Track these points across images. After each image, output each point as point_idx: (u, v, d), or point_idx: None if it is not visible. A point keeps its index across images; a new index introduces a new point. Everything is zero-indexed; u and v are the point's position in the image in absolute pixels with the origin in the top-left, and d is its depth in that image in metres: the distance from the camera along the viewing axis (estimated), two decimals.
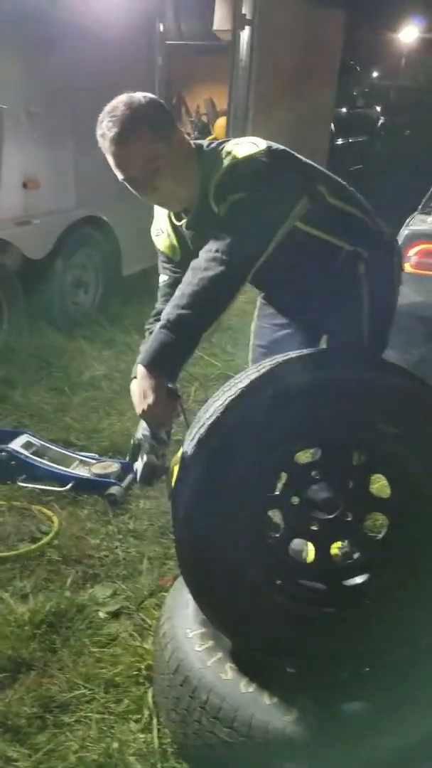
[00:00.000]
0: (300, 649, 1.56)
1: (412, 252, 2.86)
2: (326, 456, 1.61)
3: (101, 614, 2.17)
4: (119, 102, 1.68)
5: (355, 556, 1.65)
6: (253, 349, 2.24)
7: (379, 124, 12.76)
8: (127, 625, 2.13)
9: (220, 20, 6.23)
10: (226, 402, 1.48)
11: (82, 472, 2.82)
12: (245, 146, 1.70)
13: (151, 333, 1.80)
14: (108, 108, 1.68)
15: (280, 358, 1.55)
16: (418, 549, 1.52)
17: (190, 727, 1.56)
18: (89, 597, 2.23)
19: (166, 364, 1.55)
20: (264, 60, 5.62)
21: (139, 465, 1.63)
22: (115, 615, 2.18)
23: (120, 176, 1.73)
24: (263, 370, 1.51)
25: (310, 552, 1.69)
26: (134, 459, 1.66)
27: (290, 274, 1.85)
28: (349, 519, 1.59)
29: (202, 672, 1.58)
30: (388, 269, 1.94)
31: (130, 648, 2.02)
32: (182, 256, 1.92)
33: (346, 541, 1.74)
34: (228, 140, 1.79)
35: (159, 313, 1.94)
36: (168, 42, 5.19)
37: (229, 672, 1.57)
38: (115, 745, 1.73)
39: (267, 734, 1.46)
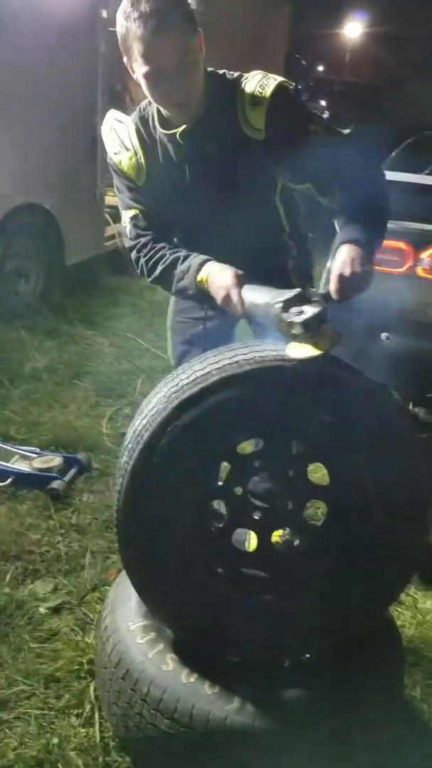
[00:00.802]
0: (242, 638, 1.57)
1: None
2: (267, 446, 1.62)
3: (42, 610, 2.14)
4: None
5: (296, 543, 1.67)
6: (173, 346, 2.17)
7: (325, 118, 12.93)
8: (68, 620, 2.11)
9: None
10: (168, 394, 1.47)
11: (23, 466, 2.78)
12: (272, 76, 1.70)
13: (159, 255, 1.79)
14: None
15: (222, 349, 1.55)
16: (354, 535, 1.54)
17: (131, 720, 1.55)
18: (29, 593, 2.20)
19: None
20: (208, 51, 5.58)
21: (309, 309, 1.43)
22: (56, 610, 2.15)
23: (144, 69, 1.59)
24: (205, 362, 1.50)
25: (252, 541, 1.70)
26: (293, 303, 1.45)
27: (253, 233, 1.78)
28: (289, 507, 1.61)
29: (144, 664, 1.57)
30: (308, 272, 2.03)
31: (72, 643, 2.00)
32: (146, 179, 1.80)
33: (288, 529, 1.76)
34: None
35: (150, 242, 1.83)
36: (112, 29, 5.11)
37: (170, 663, 1.57)
38: (55, 740, 1.71)
39: (208, 724, 1.46)
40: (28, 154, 4.19)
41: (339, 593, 1.56)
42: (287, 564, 1.64)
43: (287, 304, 1.44)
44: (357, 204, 1.62)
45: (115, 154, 1.82)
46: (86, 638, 2.02)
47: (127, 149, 1.80)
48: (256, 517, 1.60)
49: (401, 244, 2.83)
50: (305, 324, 1.39)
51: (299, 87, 11.29)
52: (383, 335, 2.79)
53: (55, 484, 2.69)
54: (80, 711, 1.80)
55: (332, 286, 1.51)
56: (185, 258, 1.76)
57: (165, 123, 1.75)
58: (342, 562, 1.57)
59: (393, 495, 1.49)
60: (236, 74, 1.75)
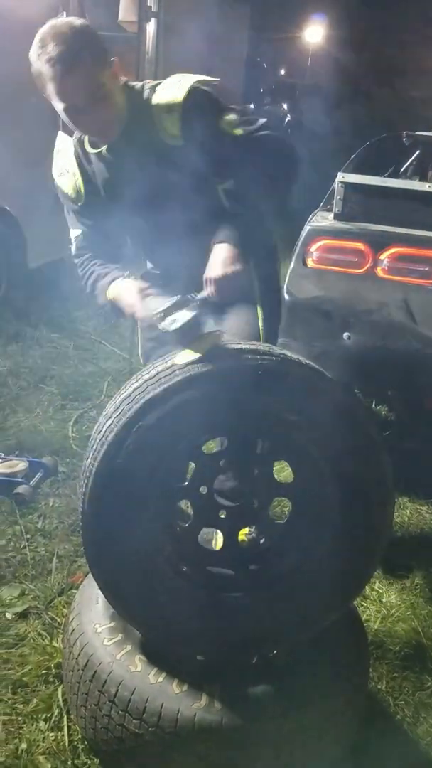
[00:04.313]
0: (208, 636, 1.58)
1: (313, 248, 2.93)
2: (232, 445, 1.64)
3: (8, 615, 2.12)
4: (63, 25, 1.61)
5: (262, 541, 1.69)
6: (141, 343, 2.21)
7: (286, 121, 13.01)
8: (35, 624, 2.09)
9: (126, 11, 6.16)
10: (133, 394, 1.48)
11: None
12: (188, 78, 1.74)
13: (89, 272, 1.90)
14: (49, 31, 1.61)
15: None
16: (318, 531, 1.57)
17: (99, 722, 1.56)
18: None
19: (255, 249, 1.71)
20: (170, 53, 5.61)
21: (181, 316, 1.51)
22: (23, 615, 2.13)
23: (60, 105, 1.66)
24: (169, 362, 1.51)
25: (218, 539, 1.71)
26: (169, 313, 1.53)
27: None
28: (255, 505, 1.63)
29: (112, 666, 1.57)
30: (273, 270, 2.08)
31: (39, 647, 1.99)
32: (86, 199, 1.90)
33: (253, 527, 1.78)
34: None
35: (87, 261, 1.94)
36: None
37: (138, 664, 1.57)
38: (24, 745, 1.70)
39: (176, 723, 1.47)
40: None
41: (304, 590, 1.59)
42: (253, 561, 1.66)
43: (165, 313, 1.53)
44: (233, 203, 1.75)
45: (59, 176, 1.93)
46: (54, 642, 2.00)
47: (67, 171, 1.90)
48: (222, 516, 1.62)
49: (360, 245, 2.88)
50: (177, 332, 1.48)
51: (261, 90, 11.37)
52: (345, 335, 2.83)
53: (21, 489, 2.67)
54: (48, 715, 1.79)
55: (207, 290, 1.64)
56: (100, 276, 1.87)
57: (94, 143, 1.84)
58: (306, 559, 1.59)
59: (355, 491, 1.52)
60: (153, 84, 1.80)
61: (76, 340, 4.28)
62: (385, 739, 1.85)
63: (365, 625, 2.00)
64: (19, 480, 2.72)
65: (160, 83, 1.79)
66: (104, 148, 1.81)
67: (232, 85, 7.70)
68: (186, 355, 1.46)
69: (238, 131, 1.74)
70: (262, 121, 1.77)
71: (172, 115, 1.71)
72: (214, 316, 1.84)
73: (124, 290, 1.81)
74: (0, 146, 4.16)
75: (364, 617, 2.17)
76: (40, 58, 1.61)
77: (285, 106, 13.17)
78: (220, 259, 1.65)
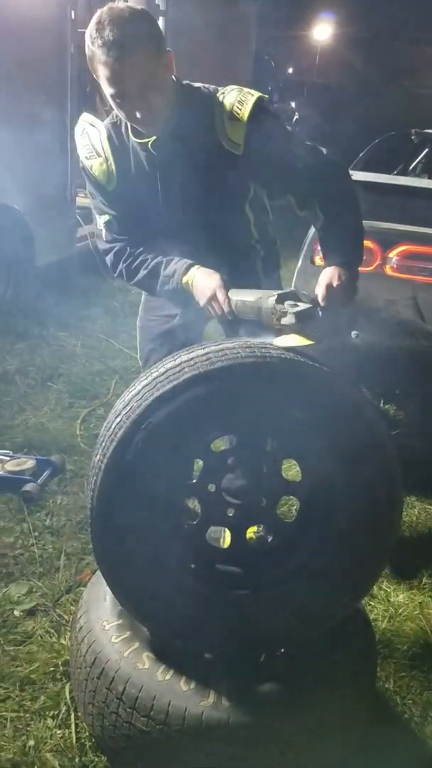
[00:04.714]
0: (217, 634, 1.58)
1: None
2: (241, 443, 1.63)
3: (16, 613, 2.13)
4: (122, 10, 1.58)
5: (269, 539, 1.69)
6: (141, 346, 2.18)
7: (294, 119, 12.98)
8: (43, 622, 2.10)
9: None
10: (142, 392, 1.47)
11: None
12: (246, 90, 1.76)
13: (139, 259, 1.85)
14: (107, 14, 1.57)
15: (195, 347, 1.56)
16: (326, 529, 1.57)
17: (107, 719, 1.56)
18: (3, 596, 2.18)
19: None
20: (178, 51, 5.58)
21: (302, 305, 1.53)
22: (31, 613, 2.14)
23: (111, 89, 1.63)
24: (179, 360, 1.51)
25: (226, 537, 1.71)
26: (284, 299, 1.54)
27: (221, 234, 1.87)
28: (263, 504, 1.62)
29: (119, 663, 1.57)
30: (276, 275, 2.07)
31: (47, 645, 2.00)
32: (116, 185, 1.82)
33: (261, 526, 1.77)
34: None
35: (125, 249, 1.88)
36: (81, 30, 5.09)
37: (146, 661, 1.57)
38: (32, 742, 1.70)
39: (183, 720, 1.47)
40: None
41: (312, 588, 1.58)
42: (261, 559, 1.65)
43: (281, 298, 1.54)
44: (339, 229, 1.78)
45: (87, 158, 1.83)
46: (61, 640, 2.01)
47: (99, 155, 1.81)
48: (230, 514, 1.62)
49: (369, 244, 2.87)
50: (298, 314, 1.49)
51: (269, 88, 11.35)
52: (353, 333, 2.83)
53: (29, 487, 2.68)
54: (56, 712, 1.80)
55: (320, 293, 1.66)
56: (168, 262, 1.81)
57: (137, 132, 1.78)
58: (314, 558, 1.59)
59: (364, 490, 1.52)
60: (212, 87, 1.79)
61: (84, 338, 4.29)
62: (393, 738, 1.84)
63: (373, 624, 2.00)
64: (27, 478, 2.72)
65: (217, 88, 1.79)
66: (152, 139, 1.74)
67: (240, 83, 7.68)
68: (293, 340, 1.47)
69: (305, 151, 1.78)
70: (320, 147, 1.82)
71: (235, 123, 1.70)
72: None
73: (206, 278, 1.74)
74: (7, 146, 4.18)
75: (371, 616, 2.16)
76: (95, 41, 1.57)
77: (293, 104, 13.13)
78: (336, 272, 1.70)
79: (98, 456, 1.50)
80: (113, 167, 1.80)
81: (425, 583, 2.41)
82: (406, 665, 2.07)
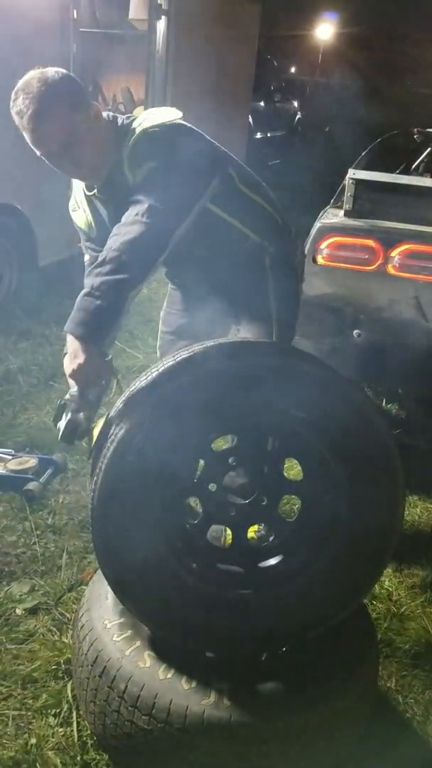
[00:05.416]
0: (218, 633, 1.58)
1: (323, 245, 2.92)
2: (242, 442, 1.63)
3: (18, 611, 2.13)
4: (33, 78, 1.64)
5: (271, 539, 1.69)
6: (160, 336, 2.26)
7: (297, 119, 12.96)
8: (45, 620, 2.10)
9: (136, 9, 6.15)
10: (143, 391, 1.48)
11: None
12: (158, 115, 1.73)
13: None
14: (21, 85, 1.64)
15: (196, 346, 1.56)
16: (327, 529, 1.56)
17: (109, 718, 1.56)
18: (5, 594, 2.19)
19: (92, 331, 1.55)
20: (180, 51, 5.59)
21: (62, 423, 1.57)
22: (33, 611, 2.14)
23: (37, 152, 1.70)
24: (179, 359, 1.51)
25: (227, 536, 1.71)
26: (58, 419, 1.58)
27: (200, 261, 1.88)
28: (264, 503, 1.63)
29: (121, 662, 1.57)
30: (292, 265, 2.04)
31: (49, 643, 2.00)
32: (98, 232, 1.91)
33: (262, 525, 1.78)
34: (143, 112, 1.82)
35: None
36: (83, 30, 5.09)
37: (147, 660, 1.58)
38: (33, 740, 1.71)
39: (185, 719, 1.47)
40: (0, 155, 4.16)
41: (313, 587, 1.58)
42: (263, 558, 1.65)
43: (55, 418, 1.58)
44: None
45: (72, 210, 1.98)
46: (63, 638, 2.01)
47: (78, 207, 1.95)
48: (231, 513, 1.62)
49: (371, 242, 2.87)
50: (63, 438, 1.54)
51: (271, 88, 11.33)
52: (355, 332, 2.82)
53: (31, 486, 2.68)
54: (58, 711, 1.80)
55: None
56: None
57: (87, 185, 1.86)
58: (316, 557, 1.59)
59: (366, 489, 1.52)
60: (128, 121, 1.79)
61: None
62: (395, 736, 1.84)
63: (375, 623, 1.99)
64: (29, 477, 2.72)
65: (132, 120, 1.78)
66: (93, 192, 1.83)
67: (242, 83, 7.66)
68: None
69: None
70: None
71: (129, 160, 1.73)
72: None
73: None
74: (9, 146, 4.18)
75: (374, 615, 2.16)
76: (12, 110, 1.65)
77: (295, 103, 13.10)
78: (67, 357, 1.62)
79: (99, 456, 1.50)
80: (90, 217, 1.92)
81: (427, 582, 2.41)
82: (408, 664, 2.07)
